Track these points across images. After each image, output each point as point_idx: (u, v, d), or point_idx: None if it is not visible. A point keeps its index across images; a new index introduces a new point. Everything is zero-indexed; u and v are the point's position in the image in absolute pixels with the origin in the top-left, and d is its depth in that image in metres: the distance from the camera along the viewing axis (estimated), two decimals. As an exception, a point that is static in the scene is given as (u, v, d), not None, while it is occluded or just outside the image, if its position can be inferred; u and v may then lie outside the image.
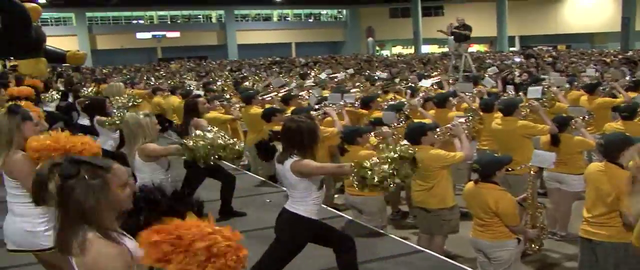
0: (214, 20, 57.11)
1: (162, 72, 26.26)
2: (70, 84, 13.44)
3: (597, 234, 4.95)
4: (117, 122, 7.17)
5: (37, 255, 4.09)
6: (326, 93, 10.77)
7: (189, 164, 7.22)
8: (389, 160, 3.99)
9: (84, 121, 10.37)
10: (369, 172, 3.96)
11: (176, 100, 11.45)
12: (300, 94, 10.93)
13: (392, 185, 4.03)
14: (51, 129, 4.23)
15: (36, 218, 3.95)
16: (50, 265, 4.09)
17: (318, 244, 4.78)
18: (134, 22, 54.70)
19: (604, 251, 4.93)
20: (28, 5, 19.27)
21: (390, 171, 3.96)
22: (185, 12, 55.86)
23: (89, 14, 51.14)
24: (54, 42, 25.04)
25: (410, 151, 4.10)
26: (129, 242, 2.49)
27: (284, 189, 8.22)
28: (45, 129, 4.22)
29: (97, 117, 7.87)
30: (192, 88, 13.57)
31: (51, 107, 12.94)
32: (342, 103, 8.45)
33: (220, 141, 4.81)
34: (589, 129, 7.60)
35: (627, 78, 12.51)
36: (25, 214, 3.95)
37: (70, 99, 11.76)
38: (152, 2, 49.47)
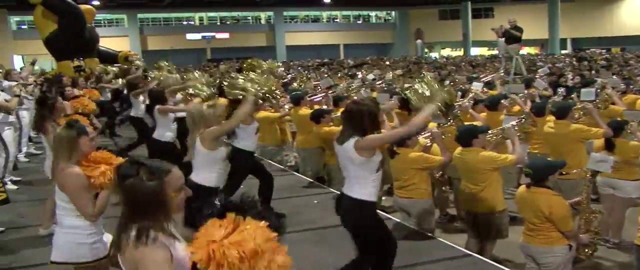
0: (263, 21, 57.56)
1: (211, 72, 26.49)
2: (125, 76, 13.77)
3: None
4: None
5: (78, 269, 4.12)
6: (375, 94, 10.72)
7: (231, 158, 7.24)
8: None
9: (138, 114, 10.69)
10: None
11: (225, 101, 11.49)
12: (350, 94, 10.89)
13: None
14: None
15: (84, 230, 3.99)
16: None
17: (357, 238, 4.77)
18: (185, 23, 55.53)
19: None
20: (83, 7, 19.78)
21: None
22: (234, 14, 56.45)
23: (140, 15, 52.17)
24: (106, 43, 25.60)
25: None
26: (178, 245, 2.54)
27: (332, 190, 8.29)
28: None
29: (158, 107, 8.00)
30: None
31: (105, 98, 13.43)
32: (392, 102, 8.41)
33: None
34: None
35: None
36: (74, 226, 3.99)
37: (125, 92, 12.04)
38: (202, 3, 50.09)
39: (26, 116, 10.77)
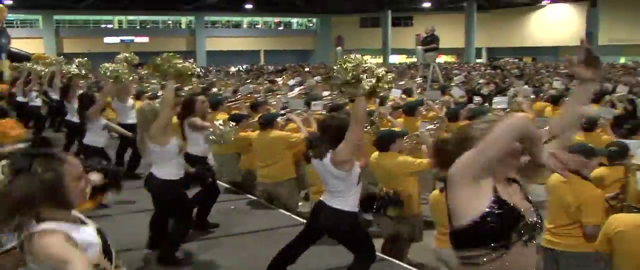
0: (183, 25, 56.67)
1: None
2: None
3: (559, 244, 4.96)
4: None
5: None
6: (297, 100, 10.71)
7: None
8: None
9: (74, 118, 10.14)
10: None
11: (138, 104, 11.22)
12: (269, 101, 10.85)
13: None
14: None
15: None
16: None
17: (344, 246, 4.84)
18: (103, 26, 54.07)
19: (566, 261, 4.95)
20: (-7, 6, 19.01)
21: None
22: (155, 18, 55.32)
23: (56, 17, 50.38)
24: (19, 45, 24.65)
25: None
26: (85, 229, 2.51)
27: (248, 196, 8.22)
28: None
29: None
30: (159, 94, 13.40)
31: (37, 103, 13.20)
32: (310, 110, 8.41)
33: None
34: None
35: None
36: None
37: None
38: (122, 6, 48.87)
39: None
